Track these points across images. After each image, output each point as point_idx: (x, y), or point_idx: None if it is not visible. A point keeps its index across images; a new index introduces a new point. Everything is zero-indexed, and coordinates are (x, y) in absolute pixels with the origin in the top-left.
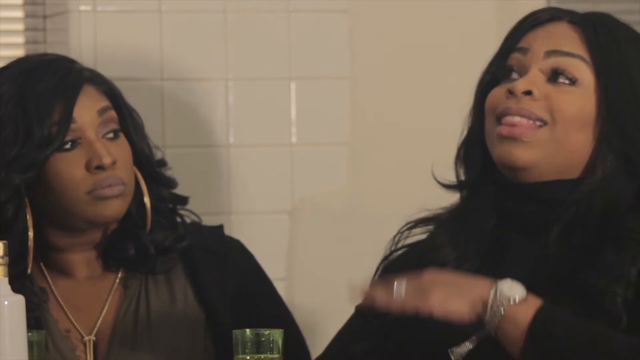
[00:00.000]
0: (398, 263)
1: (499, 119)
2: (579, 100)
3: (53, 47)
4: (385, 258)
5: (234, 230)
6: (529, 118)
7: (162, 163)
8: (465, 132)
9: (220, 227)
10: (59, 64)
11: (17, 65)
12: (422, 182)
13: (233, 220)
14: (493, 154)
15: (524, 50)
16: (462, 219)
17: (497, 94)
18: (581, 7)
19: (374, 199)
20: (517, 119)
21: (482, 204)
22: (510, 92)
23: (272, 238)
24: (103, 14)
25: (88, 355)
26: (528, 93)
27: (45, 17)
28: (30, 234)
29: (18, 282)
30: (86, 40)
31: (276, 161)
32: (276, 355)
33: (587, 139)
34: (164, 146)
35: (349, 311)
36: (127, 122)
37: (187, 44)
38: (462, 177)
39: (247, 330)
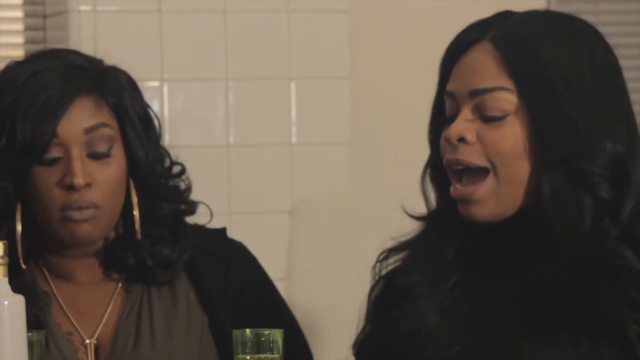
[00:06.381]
0: (386, 291)
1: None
2: (511, 130)
3: (53, 47)
4: (372, 289)
5: (234, 231)
6: (470, 167)
7: (174, 174)
8: (428, 158)
9: (222, 230)
10: (61, 73)
11: (19, 67)
12: None
13: (233, 221)
14: None
15: (452, 95)
16: (427, 246)
17: (442, 140)
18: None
19: (374, 199)
20: (460, 167)
21: (445, 231)
22: (447, 140)
23: (272, 238)
24: (103, 14)
25: (89, 358)
26: (462, 140)
27: (45, 17)
28: (19, 227)
29: (18, 283)
30: (86, 40)
31: (276, 161)
32: (276, 355)
33: (529, 165)
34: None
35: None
36: (128, 134)
37: (187, 44)
38: (432, 199)
39: (247, 330)
